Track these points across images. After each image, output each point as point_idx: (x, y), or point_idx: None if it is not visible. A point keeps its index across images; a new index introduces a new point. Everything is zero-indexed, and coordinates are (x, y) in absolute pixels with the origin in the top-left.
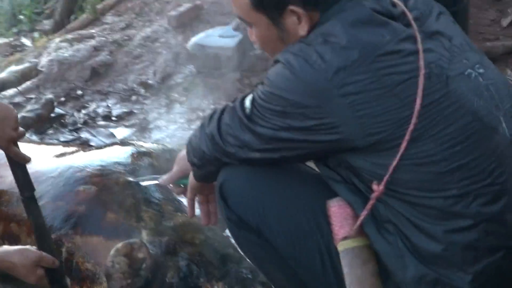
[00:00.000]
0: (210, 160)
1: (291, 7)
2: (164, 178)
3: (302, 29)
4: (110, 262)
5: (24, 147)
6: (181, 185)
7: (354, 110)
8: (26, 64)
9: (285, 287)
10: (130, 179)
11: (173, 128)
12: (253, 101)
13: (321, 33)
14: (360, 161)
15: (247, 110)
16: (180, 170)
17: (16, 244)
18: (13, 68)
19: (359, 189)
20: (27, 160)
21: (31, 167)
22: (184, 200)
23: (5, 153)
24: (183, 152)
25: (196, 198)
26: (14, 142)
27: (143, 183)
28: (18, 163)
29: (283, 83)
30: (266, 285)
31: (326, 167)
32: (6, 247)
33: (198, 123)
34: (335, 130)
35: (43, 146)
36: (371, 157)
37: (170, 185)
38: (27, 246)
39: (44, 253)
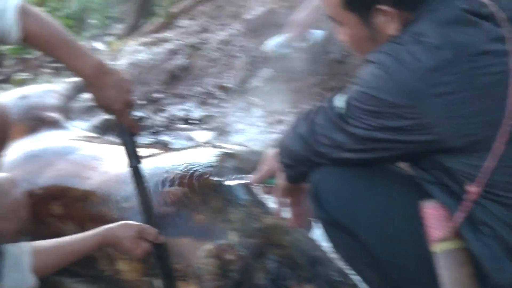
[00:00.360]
0: (302, 160)
1: (381, 6)
2: (252, 177)
3: (393, 29)
4: (200, 263)
5: (110, 149)
6: (269, 185)
7: (447, 111)
8: None
9: (378, 287)
10: (217, 179)
11: (252, 132)
12: (346, 101)
13: (413, 33)
14: (454, 162)
15: (341, 110)
16: (268, 170)
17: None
18: None
19: (453, 191)
20: (137, 130)
21: (119, 169)
22: (271, 200)
23: (117, 119)
24: (272, 152)
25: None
26: (129, 107)
27: (230, 183)
28: (128, 132)
29: (376, 82)
30: None
31: (419, 168)
32: (106, 225)
33: (277, 127)
34: (428, 131)
35: None
36: (465, 158)
37: (258, 184)
38: (128, 221)
39: (146, 225)
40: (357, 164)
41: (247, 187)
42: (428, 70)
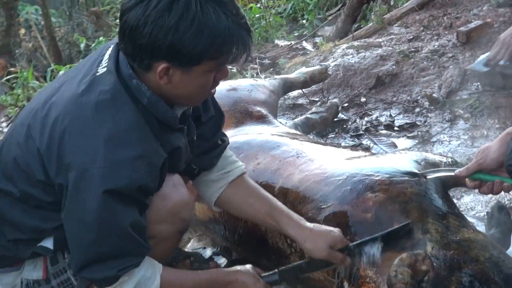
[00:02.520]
0: None
1: None
2: (460, 170)
3: None
4: (394, 271)
5: (313, 148)
6: (476, 179)
7: None
8: (317, 67)
9: None
10: (419, 172)
11: (455, 144)
12: None
13: None
14: None
15: None
16: (478, 163)
17: None
18: (303, 69)
19: None
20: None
21: (321, 169)
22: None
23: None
24: (484, 146)
25: None
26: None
27: (435, 175)
28: None
29: None
30: None
31: None
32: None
33: (481, 141)
34: None
35: (331, 148)
36: None
37: (465, 177)
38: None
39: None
40: None
41: (447, 197)
42: None
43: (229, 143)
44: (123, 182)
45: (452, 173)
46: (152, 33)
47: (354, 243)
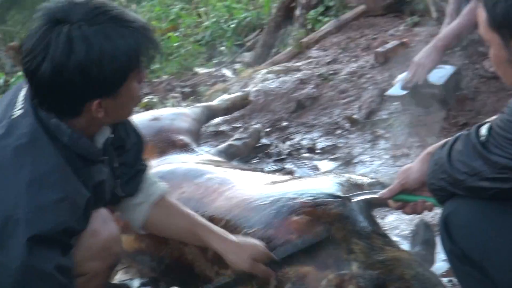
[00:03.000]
0: (435, 190)
1: None
2: (383, 192)
3: None
4: None
5: (237, 174)
6: (399, 200)
7: None
8: (238, 93)
9: None
10: (343, 195)
11: (377, 164)
12: (490, 129)
13: None
14: None
15: (483, 138)
16: (400, 184)
17: None
18: (225, 96)
19: None
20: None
21: (245, 195)
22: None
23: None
24: (405, 167)
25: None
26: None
27: (359, 198)
28: None
29: None
30: None
31: None
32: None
33: (402, 160)
34: None
35: (255, 173)
36: None
37: (388, 199)
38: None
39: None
40: (491, 195)
41: (371, 217)
42: None
43: (148, 166)
44: (47, 227)
45: (376, 195)
46: (71, 79)
47: (278, 256)
